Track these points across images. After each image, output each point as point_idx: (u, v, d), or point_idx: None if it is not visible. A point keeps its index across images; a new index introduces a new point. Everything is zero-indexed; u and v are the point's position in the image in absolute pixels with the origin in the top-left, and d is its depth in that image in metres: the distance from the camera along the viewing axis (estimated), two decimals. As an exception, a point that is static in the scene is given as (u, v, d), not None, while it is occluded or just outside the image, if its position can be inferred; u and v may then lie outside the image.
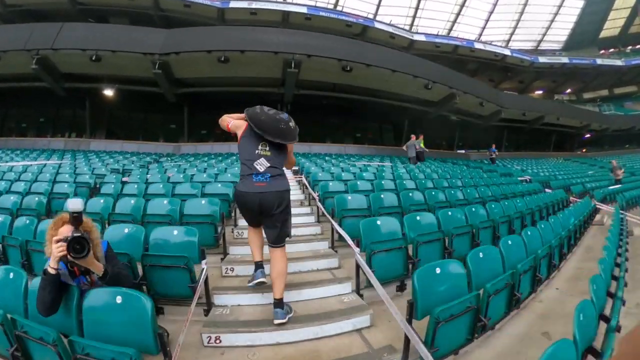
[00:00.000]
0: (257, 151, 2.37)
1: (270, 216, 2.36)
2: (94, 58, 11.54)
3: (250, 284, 2.60)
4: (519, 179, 10.69)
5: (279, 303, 2.32)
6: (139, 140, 15.79)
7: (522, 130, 22.23)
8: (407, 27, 25.32)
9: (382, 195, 5.02)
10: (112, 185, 5.61)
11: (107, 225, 3.70)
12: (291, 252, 3.06)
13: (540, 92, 32.72)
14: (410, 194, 5.23)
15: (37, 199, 4.92)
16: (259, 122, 2.34)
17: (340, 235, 3.57)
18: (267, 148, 2.39)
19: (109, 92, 14.07)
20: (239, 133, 2.46)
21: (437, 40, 24.83)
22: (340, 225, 3.84)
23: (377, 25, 22.27)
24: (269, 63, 12.28)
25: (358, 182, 6.23)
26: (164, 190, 5.31)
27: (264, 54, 11.78)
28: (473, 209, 4.55)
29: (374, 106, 15.72)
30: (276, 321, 2.27)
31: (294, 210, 2.87)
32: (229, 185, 5.41)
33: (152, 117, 16.99)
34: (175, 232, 3.01)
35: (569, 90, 33.84)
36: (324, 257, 3.64)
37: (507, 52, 27.32)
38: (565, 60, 28.96)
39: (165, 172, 7.79)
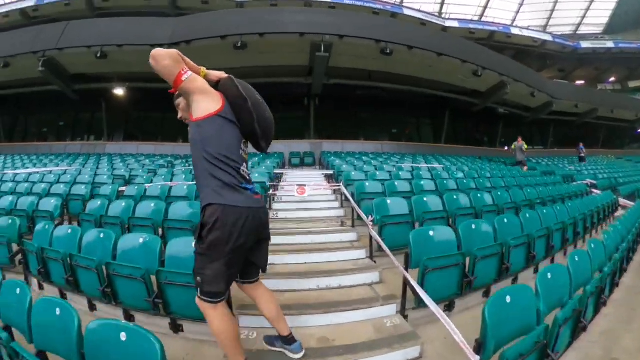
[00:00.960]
0: (240, 152, 1.61)
1: (263, 240, 1.74)
2: (99, 55, 10.47)
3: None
4: (580, 183, 8.35)
5: (291, 337, 1.86)
6: (157, 142, 14.33)
7: (570, 124, 19.11)
8: (435, 14, 22.66)
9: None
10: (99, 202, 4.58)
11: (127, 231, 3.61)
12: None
13: (582, 81, 29.10)
14: (455, 197, 4.54)
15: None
16: (265, 119, 1.68)
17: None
18: (245, 149, 1.67)
19: (119, 92, 12.84)
20: (207, 104, 1.54)
21: (471, 26, 22.17)
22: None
23: (407, 11, 19.97)
24: (294, 47, 10.18)
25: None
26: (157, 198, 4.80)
27: (287, 36, 9.69)
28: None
29: (413, 98, 13.52)
30: (297, 356, 1.88)
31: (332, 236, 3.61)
32: (264, 174, 5.72)
33: (170, 116, 15.01)
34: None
35: (612, 79, 30.09)
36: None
37: (547, 37, 24.23)
38: (610, 44, 25.63)
39: (172, 179, 6.24)
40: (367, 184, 5.24)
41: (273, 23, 9.86)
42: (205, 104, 1.53)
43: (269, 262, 1.88)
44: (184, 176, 6.24)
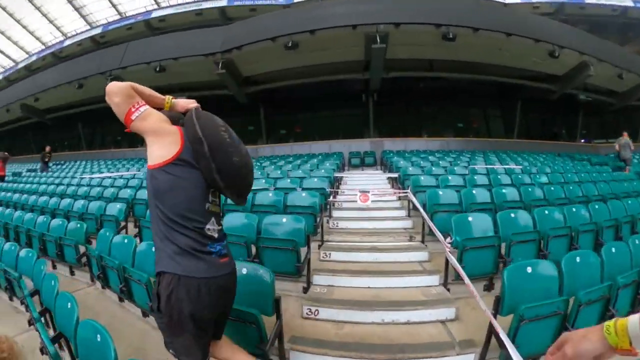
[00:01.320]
0: (207, 206, 1.29)
1: (229, 305, 1.46)
2: (157, 69, 11.00)
3: None
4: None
5: None
6: None
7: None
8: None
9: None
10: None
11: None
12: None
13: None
14: (546, 212, 3.81)
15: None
16: (229, 165, 1.28)
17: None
18: (217, 200, 1.37)
19: None
20: (163, 148, 1.25)
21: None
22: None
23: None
24: (347, 41, 9.52)
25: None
26: (266, 185, 5.38)
27: (338, 30, 9.06)
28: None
29: (480, 87, 12.08)
30: None
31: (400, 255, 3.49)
32: (324, 179, 5.68)
33: (229, 121, 15.30)
34: (284, 220, 3.20)
35: None
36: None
37: (628, 2, 20.53)
38: None
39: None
40: (440, 192, 4.48)
41: (322, 18, 9.32)
42: (157, 148, 1.24)
43: (328, 284, 2.71)
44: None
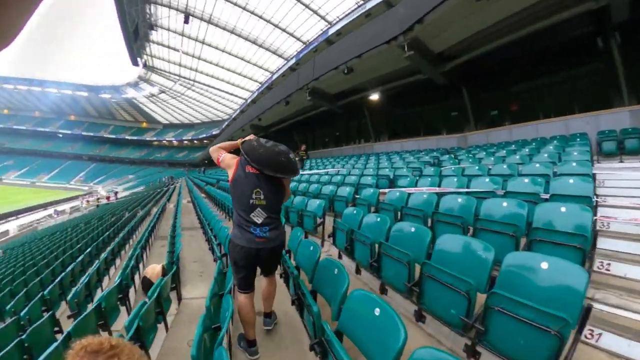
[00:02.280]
0: (251, 201, 2.14)
1: (265, 265, 2.34)
2: (345, 71, 11.46)
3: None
4: None
5: (268, 315, 2.58)
6: (419, 137, 14.33)
7: None
8: None
9: None
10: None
11: (399, 217, 4.18)
12: None
13: None
14: None
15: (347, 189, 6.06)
16: (257, 156, 2.13)
17: None
18: (262, 196, 2.16)
19: (374, 97, 14.19)
20: (230, 173, 2.25)
21: None
22: None
23: None
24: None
25: None
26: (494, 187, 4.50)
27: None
28: None
29: None
30: (265, 328, 2.55)
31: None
32: (584, 180, 3.76)
33: (429, 108, 14.75)
34: (505, 204, 3.19)
35: None
36: None
37: None
38: None
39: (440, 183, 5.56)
40: None
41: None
42: (229, 173, 2.25)
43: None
44: (455, 179, 5.20)
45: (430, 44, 9.73)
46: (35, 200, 32.64)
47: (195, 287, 4.08)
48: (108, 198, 33.61)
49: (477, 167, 5.92)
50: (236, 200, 2.18)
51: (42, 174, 53.98)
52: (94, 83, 53.18)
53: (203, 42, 31.76)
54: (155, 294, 2.58)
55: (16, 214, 27.94)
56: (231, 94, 42.59)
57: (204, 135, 53.14)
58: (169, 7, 27.34)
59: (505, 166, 5.49)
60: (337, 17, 22.01)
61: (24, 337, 2.53)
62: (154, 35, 32.79)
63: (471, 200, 3.64)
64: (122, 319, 3.01)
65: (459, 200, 3.75)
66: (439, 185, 5.18)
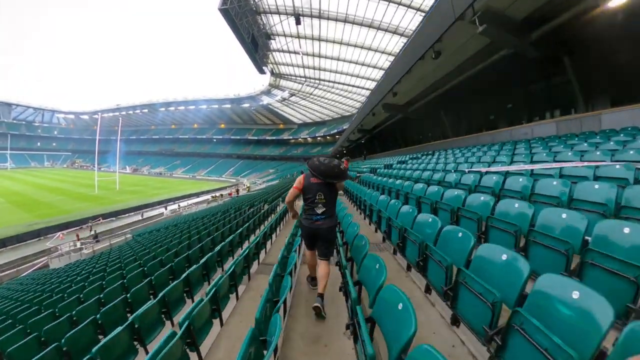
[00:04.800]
0: (315, 200, 3.07)
1: (322, 241, 3.13)
2: (433, 57, 9.77)
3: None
4: None
5: (321, 295, 2.90)
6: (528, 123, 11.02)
7: None
8: None
9: None
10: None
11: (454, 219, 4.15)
12: None
13: None
14: None
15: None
16: (321, 171, 3.02)
17: None
18: (322, 196, 3.06)
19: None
20: (299, 187, 3.15)
21: None
22: None
23: None
24: None
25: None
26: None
27: None
28: None
29: None
30: (315, 304, 2.83)
31: None
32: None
33: (518, 91, 12.20)
34: (564, 216, 2.82)
35: None
36: None
37: None
38: None
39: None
40: None
41: None
42: (299, 187, 3.14)
43: None
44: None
45: (508, 9, 7.79)
46: (194, 189, 41.32)
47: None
48: (230, 194, 33.55)
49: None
50: (306, 197, 3.09)
51: (201, 169, 67.25)
52: (235, 95, 60.40)
53: (319, 39, 30.72)
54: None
55: (182, 198, 34.76)
56: (356, 87, 40.89)
57: (335, 131, 54.74)
58: (278, 13, 27.30)
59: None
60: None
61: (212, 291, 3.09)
62: (273, 44, 33.49)
63: (529, 207, 3.30)
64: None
65: (516, 205, 3.42)
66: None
